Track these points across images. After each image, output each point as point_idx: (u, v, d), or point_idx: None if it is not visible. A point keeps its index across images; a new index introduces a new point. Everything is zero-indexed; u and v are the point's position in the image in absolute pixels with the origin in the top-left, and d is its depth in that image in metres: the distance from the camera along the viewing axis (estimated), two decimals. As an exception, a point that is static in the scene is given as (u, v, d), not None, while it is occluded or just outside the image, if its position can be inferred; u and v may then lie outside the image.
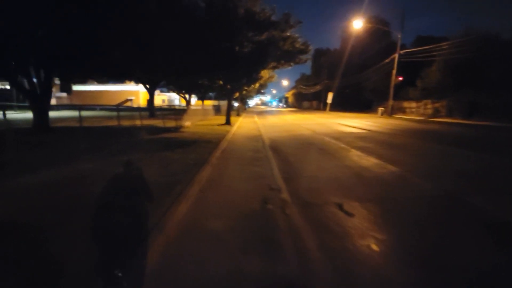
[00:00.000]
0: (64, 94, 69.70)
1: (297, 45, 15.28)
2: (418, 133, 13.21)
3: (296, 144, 9.94)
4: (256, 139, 11.01)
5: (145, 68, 17.66)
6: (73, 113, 30.16)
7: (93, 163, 6.01)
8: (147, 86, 27.18)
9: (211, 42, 14.41)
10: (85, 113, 32.09)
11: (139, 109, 44.08)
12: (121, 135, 10.99)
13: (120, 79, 23.54)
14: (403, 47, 31.60)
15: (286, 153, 8.24)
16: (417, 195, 4.47)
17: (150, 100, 27.68)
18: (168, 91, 59.21)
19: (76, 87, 68.34)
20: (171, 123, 16.01)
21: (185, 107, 24.84)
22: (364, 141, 10.42)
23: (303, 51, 15.65)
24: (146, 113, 27.08)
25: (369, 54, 41.00)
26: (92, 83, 66.65)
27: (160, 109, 34.49)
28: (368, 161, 6.96)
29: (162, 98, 78.81)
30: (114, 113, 29.69)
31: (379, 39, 42.99)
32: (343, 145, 9.40)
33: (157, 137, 10.69)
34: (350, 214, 3.74)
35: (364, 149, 8.61)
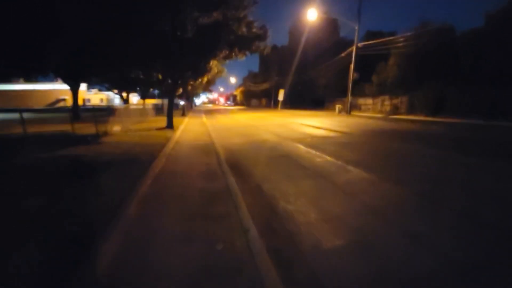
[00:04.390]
0: (-19, 95, 58.78)
1: (254, 29, 12.43)
2: (400, 135, 11.27)
3: (265, 158, 7.09)
4: (207, 151, 7.93)
5: (55, 54, 13.41)
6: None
7: None
8: (69, 82, 22.17)
9: (142, 22, 10.91)
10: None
11: (70, 110, 37.92)
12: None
13: (26, 70, 18.29)
14: (353, 43, 30.67)
15: (256, 177, 5.34)
16: None
17: (74, 100, 22.72)
18: (106, 90, 52.69)
19: (-2, 87, 58.11)
20: (93, 129, 12.11)
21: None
22: (349, 149, 7.97)
23: (261, 37, 12.84)
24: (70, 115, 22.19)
25: (319, 51, 40.12)
26: (18, 82, 57.13)
27: (93, 109, 29.20)
28: (396, 194, 4.38)
29: (100, 97, 70.97)
30: (34, 116, 24.30)
31: (328, 36, 42.45)
32: (329, 158, 6.79)
33: (55, 155, 7.00)
34: None
35: (363, 165, 6.08)
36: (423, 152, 7.65)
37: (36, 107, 51.25)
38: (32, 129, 12.80)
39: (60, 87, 58.70)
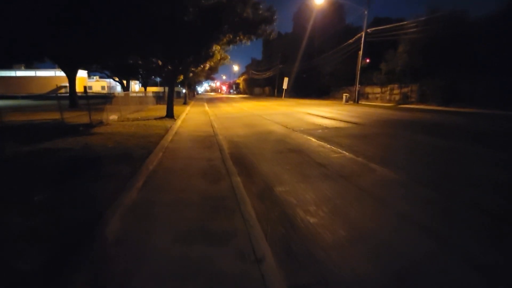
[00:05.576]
0: (-19, 81, 58.10)
1: (260, 11, 11.44)
2: (418, 126, 10.39)
3: (274, 153, 6.32)
4: (209, 144, 7.17)
5: (52, 39, 12.57)
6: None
7: None
8: (66, 68, 21.37)
9: (141, 5, 9.95)
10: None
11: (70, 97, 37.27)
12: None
13: (24, 56, 17.42)
14: (359, 30, 29.38)
15: (265, 177, 4.58)
16: None
17: (71, 87, 21.97)
18: (107, 77, 51.77)
19: (-1, 73, 57.34)
20: (87, 118, 11.33)
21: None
22: (367, 143, 7.16)
23: (268, 20, 11.83)
24: (66, 103, 21.39)
25: (324, 38, 38.83)
26: (19, 68, 56.33)
27: (88, 96, 28.30)
28: (441, 203, 3.60)
29: (101, 84, 70.07)
30: (32, 103, 23.61)
31: (334, 23, 40.99)
32: (347, 154, 6.00)
33: (35, 149, 6.25)
34: None
35: (387, 162, 5.29)
36: (451, 147, 6.83)
37: (37, 93, 50.60)
38: (23, 117, 12.14)
39: (61, 74, 57.87)
